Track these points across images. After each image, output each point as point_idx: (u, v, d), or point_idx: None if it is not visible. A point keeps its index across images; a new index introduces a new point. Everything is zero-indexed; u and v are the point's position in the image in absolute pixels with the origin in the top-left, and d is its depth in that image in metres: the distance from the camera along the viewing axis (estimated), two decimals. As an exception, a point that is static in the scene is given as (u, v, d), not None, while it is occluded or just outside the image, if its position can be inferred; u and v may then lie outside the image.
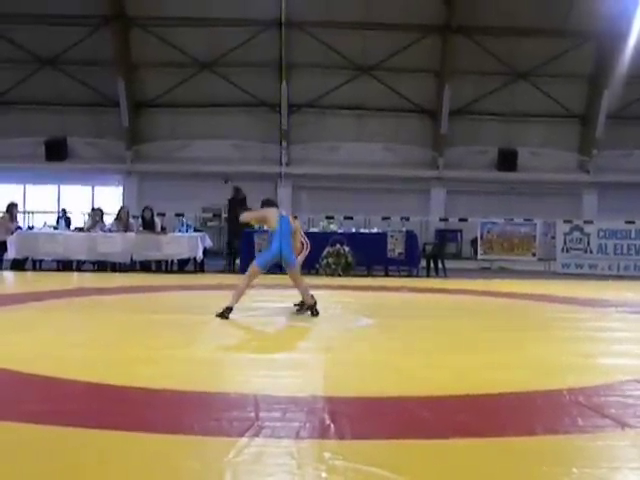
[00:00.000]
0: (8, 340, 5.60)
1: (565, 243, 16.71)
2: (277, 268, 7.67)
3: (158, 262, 14.27)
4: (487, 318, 8.07)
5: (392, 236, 14.68)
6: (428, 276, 14.85)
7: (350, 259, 13.94)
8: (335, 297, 9.30)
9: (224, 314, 6.84)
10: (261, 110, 24.16)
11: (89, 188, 25.17)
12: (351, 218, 18.12)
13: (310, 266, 13.01)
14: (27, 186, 25.03)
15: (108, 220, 15.24)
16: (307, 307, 7.30)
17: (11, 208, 14.87)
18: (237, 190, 15.63)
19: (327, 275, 13.50)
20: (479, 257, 17.91)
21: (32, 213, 23.27)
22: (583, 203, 24.61)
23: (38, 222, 18.64)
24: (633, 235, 16.21)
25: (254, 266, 7.20)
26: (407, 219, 18.40)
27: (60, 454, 2.85)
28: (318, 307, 7.23)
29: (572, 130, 24.83)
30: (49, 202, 24.26)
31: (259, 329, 6.61)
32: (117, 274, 13.56)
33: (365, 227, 17.42)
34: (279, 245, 7.10)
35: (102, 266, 14.08)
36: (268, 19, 22.37)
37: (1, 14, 21.77)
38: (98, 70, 23.20)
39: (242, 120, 24.04)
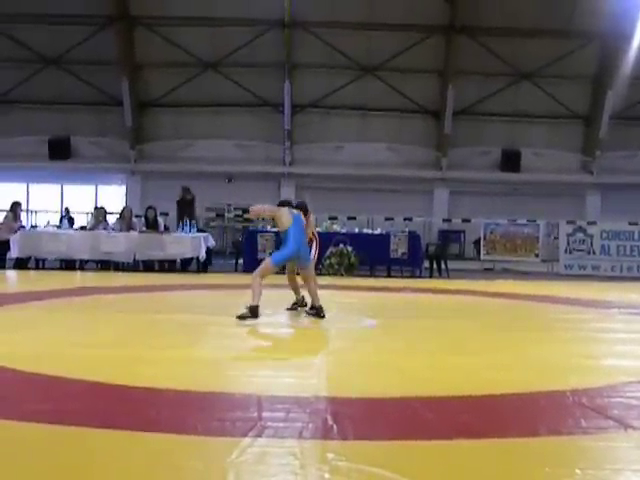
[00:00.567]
0: (11, 339, 5.60)
1: (568, 244, 16.69)
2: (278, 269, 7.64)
3: (161, 262, 14.29)
4: (490, 319, 8.06)
5: (395, 236, 14.68)
6: (431, 277, 14.84)
7: (353, 259, 13.94)
8: (338, 297, 9.29)
9: (253, 313, 6.67)
10: (265, 110, 24.16)
11: (92, 187, 25.19)
12: (354, 218, 18.11)
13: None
14: (30, 185, 25.03)
15: (111, 219, 15.25)
16: (311, 307, 7.29)
17: (14, 207, 14.88)
18: (186, 190, 15.57)
19: (330, 275, 13.50)
20: (482, 258, 17.89)
21: (35, 212, 23.34)
22: (586, 204, 24.56)
23: (41, 221, 18.66)
24: (636, 236, 16.19)
25: (269, 263, 7.00)
26: (410, 219, 18.38)
27: (62, 453, 2.86)
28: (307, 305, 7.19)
29: (576, 131, 24.79)
30: (52, 201, 24.29)
31: (262, 330, 6.61)
32: (120, 273, 13.57)
33: (368, 227, 17.41)
34: (297, 244, 7.07)
35: (105, 265, 14.08)
36: (272, 19, 22.37)
37: (5, 13, 21.82)
38: (102, 69, 23.22)
39: (246, 120, 24.04)
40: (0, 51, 22.87)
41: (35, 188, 25.12)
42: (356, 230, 15.49)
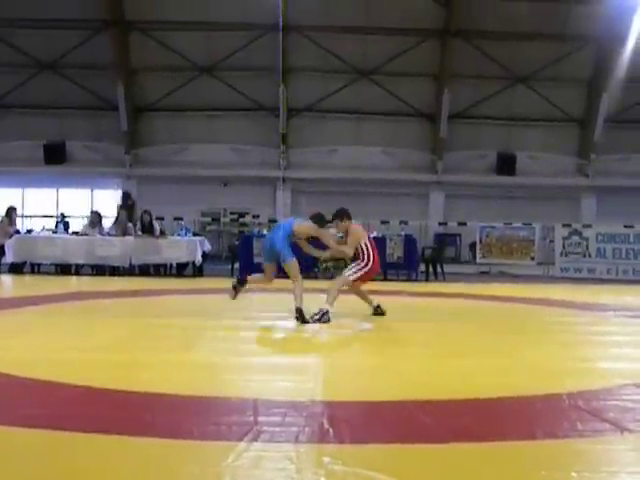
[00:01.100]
0: (5, 344, 5.58)
1: (564, 247, 16.72)
2: (281, 273, 7.62)
3: (157, 266, 14.27)
4: (486, 322, 8.05)
5: (391, 240, 14.68)
6: (427, 280, 14.84)
7: (349, 263, 13.89)
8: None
9: (302, 316, 6.92)
10: (260, 114, 24.18)
11: (88, 192, 25.18)
12: (350, 222, 18.09)
13: (309, 270, 12.99)
14: (26, 190, 25.02)
15: (107, 224, 15.22)
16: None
17: (10, 212, 14.86)
18: (126, 196, 15.58)
19: (326, 279, 13.46)
20: (478, 261, 17.91)
21: (31, 217, 23.27)
22: (582, 207, 24.64)
23: (37, 226, 18.61)
24: (632, 239, 16.23)
25: (293, 261, 7.25)
26: (406, 223, 18.38)
27: (57, 459, 2.84)
28: (315, 310, 7.16)
29: (571, 134, 24.87)
30: (48, 206, 24.22)
31: (258, 334, 6.60)
32: (116, 278, 13.54)
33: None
34: (271, 240, 7.37)
35: (101, 270, 14.07)
36: (267, 23, 22.39)
37: (1, 18, 21.80)
38: (97, 74, 23.22)
39: (241, 124, 24.06)
40: (-5, 56, 22.88)
41: (30, 192, 25.09)
42: (352, 233, 15.43)
